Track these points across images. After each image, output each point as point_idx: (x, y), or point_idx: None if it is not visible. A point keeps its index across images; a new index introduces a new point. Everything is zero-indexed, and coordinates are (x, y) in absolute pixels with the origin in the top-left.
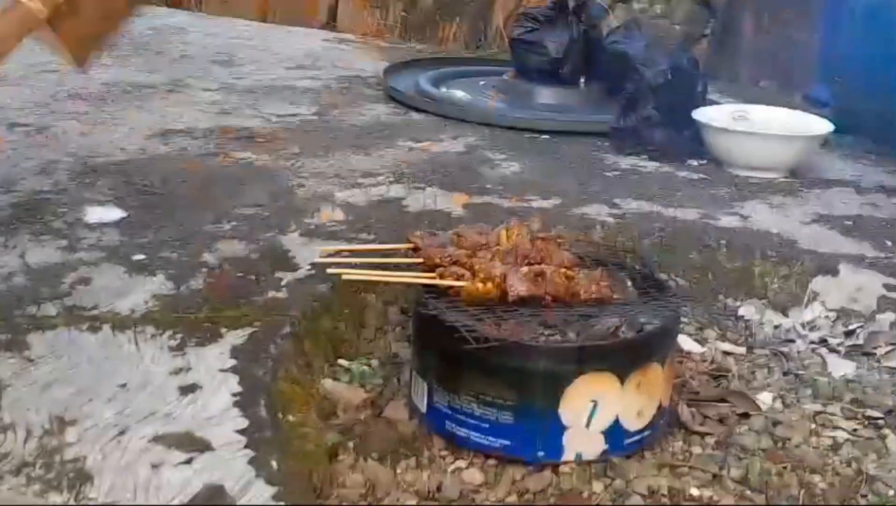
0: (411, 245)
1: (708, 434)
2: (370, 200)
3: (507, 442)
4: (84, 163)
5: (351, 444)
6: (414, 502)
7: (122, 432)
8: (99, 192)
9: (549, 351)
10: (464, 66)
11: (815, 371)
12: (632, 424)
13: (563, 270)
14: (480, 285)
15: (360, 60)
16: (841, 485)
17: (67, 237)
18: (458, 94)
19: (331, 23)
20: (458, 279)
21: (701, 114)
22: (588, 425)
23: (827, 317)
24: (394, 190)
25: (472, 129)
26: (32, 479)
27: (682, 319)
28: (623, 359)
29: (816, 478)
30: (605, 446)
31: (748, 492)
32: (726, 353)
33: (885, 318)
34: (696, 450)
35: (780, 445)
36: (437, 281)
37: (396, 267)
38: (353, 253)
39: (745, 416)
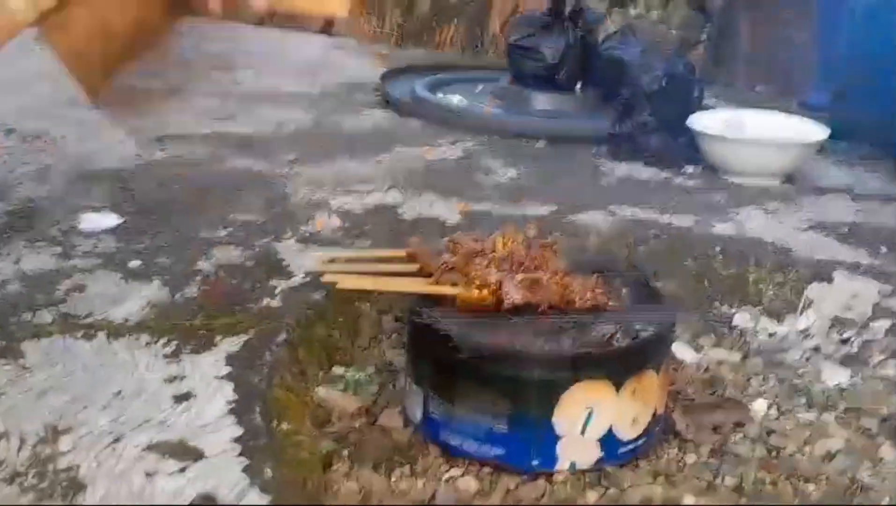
0: (407, 252)
1: (702, 443)
2: (366, 207)
3: (501, 451)
4: (80, 169)
5: (345, 452)
6: None
7: (116, 440)
8: (94, 198)
9: (543, 359)
10: (460, 71)
11: (809, 379)
12: (627, 432)
13: (558, 277)
14: (475, 293)
15: (357, 66)
16: (835, 494)
17: (62, 244)
18: (455, 99)
19: (328, 28)
20: (453, 287)
21: (696, 120)
22: (583, 433)
23: (821, 325)
24: (390, 197)
25: (468, 134)
26: (26, 488)
27: (677, 327)
28: (618, 366)
29: (811, 487)
30: (600, 455)
31: (743, 501)
32: (721, 361)
33: (880, 325)
34: (691, 458)
35: (774, 453)
36: (432, 289)
37: (392, 275)
38: (349, 260)
39: (740, 424)
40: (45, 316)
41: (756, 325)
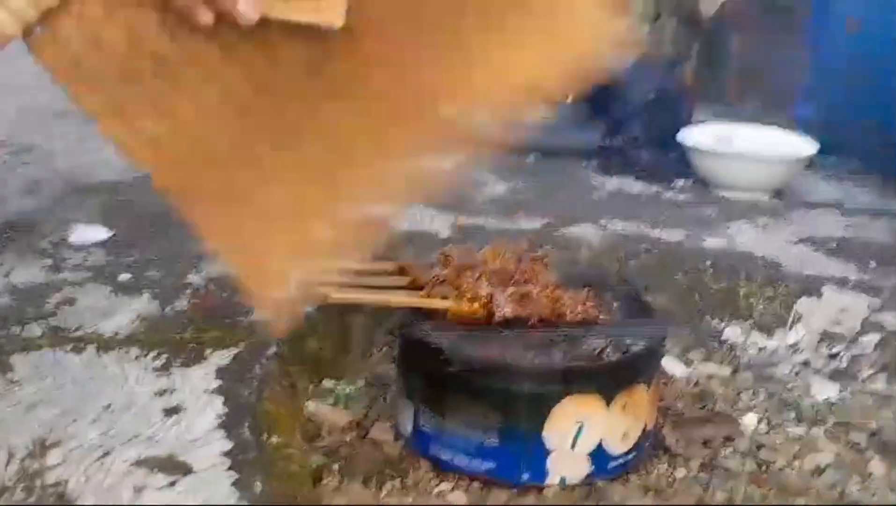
0: (398, 265)
1: (692, 457)
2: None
3: (492, 465)
4: (70, 182)
5: (336, 466)
6: None
7: (105, 454)
8: (85, 211)
9: (534, 373)
10: None
11: (798, 394)
12: (617, 446)
13: (549, 290)
14: (466, 306)
15: None
16: None
17: (53, 257)
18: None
19: None
20: (444, 300)
21: (686, 135)
22: (573, 447)
23: (811, 339)
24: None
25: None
26: (13, 503)
27: (668, 341)
28: (609, 381)
29: (800, 501)
30: (590, 469)
31: None
32: (711, 375)
33: (869, 340)
34: (681, 473)
35: (764, 468)
36: (423, 302)
37: (383, 288)
38: (339, 273)
39: (730, 439)
40: (35, 329)
41: (746, 339)
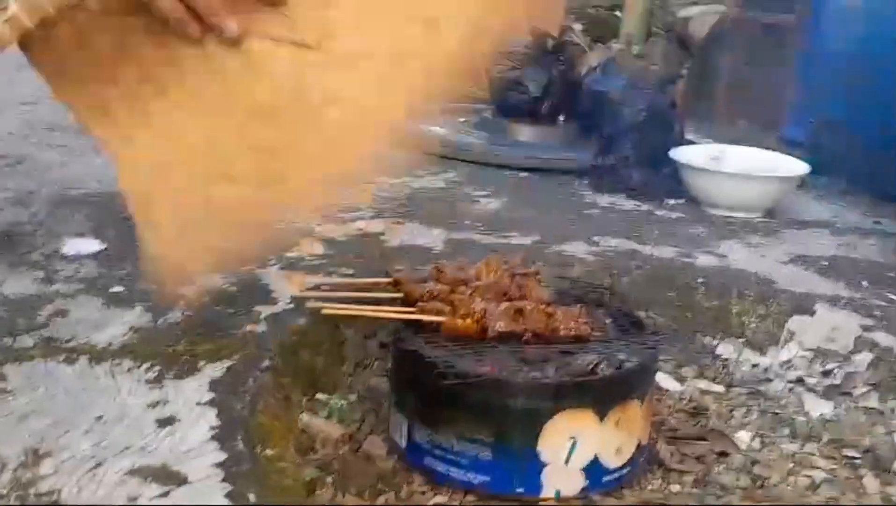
0: (391, 280)
1: (686, 472)
2: (349, 234)
3: (486, 478)
4: (62, 194)
5: (329, 479)
6: None
7: (98, 465)
8: (77, 223)
9: (527, 388)
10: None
11: (792, 411)
12: (611, 461)
13: (542, 306)
14: (460, 321)
15: None
16: None
17: (44, 269)
18: (438, 130)
19: None
20: (437, 314)
21: (678, 154)
22: (567, 461)
23: (804, 357)
24: (373, 225)
25: (451, 165)
26: None
27: (661, 357)
28: (602, 396)
29: None
30: (585, 484)
31: None
32: (704, 391)
33: (863, 358)
34: (675, 488)
35: (758, 484)
36: (417, 316)
37: (376, 302)
38: (333, 287)
39: (724, 454)
40: (27, 340)
41: (739, 356)
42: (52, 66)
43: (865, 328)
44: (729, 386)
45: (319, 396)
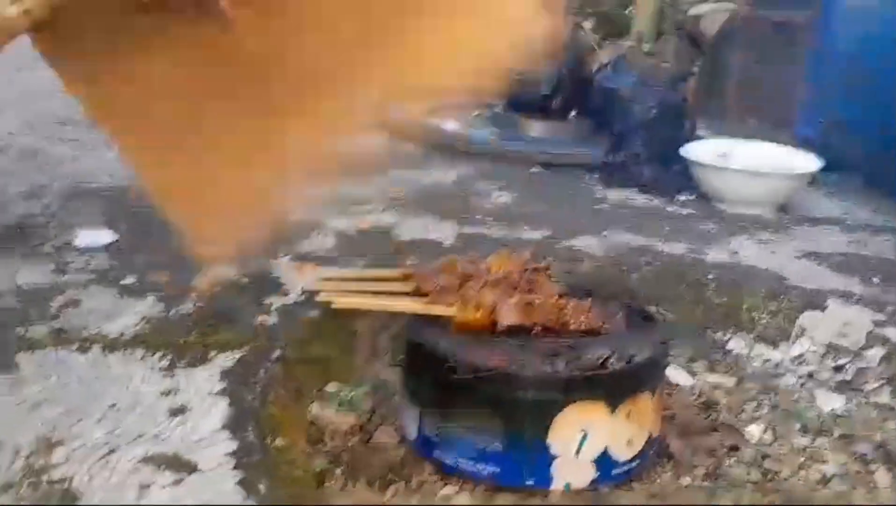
0: (403, 273)
1: (697, 465)
2: (361, 228)
3: (496, 470)
4: (74, 187)
5: (339, 470)
6: None
7: (110, 453)
8: (89, 215)
9: (537, 381)
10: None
11: (804, 405)
12: (621, 453)
13: (553, 300)
14: (471, 314)
15: None
16: None
17: (57, 260)
18: (450, 125)
19: None
20: (448, 307)
21: (689, 150)
22: (577, 454)
23: (815, 352)
24: (385, 218)
25: (463, 159)
26: (19, 498)
27: (671, 352)
28: (613, 389)
29: None
30: (595, 476)
31: None
32: (715, 385)
33: (874, 354)
34: (686, 481)
35: (769, 477)
36: (428, 309)
37: (388, 294)
38: (345, 279)
39: (735, 448)
40: (40, 330)
41: (750, 351)
42: (61, 59)
43: (877, 324)
44: (740, 381)
45: (330, 387)
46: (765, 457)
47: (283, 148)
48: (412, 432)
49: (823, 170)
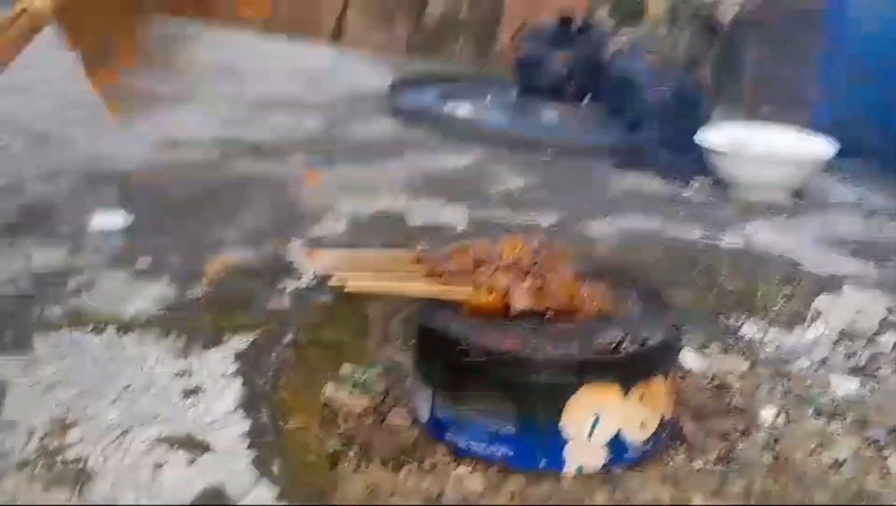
0: (415, 256)
1: (710, 449)
2: (374, 213)
3: (508, 452)
4: (90, 170)
5: (352, 452)
6: None
7: (124, 433)
8: (104, 198)
9: (550, 364)
10: (469, 82)
11: (817, 390)
12: (634, 436)
13: (565, 284)
14: (483, 298)
15: (366, 75)
16: (843, 502)
17: (72, 242)
18: (463, 110)
19: (337, 37)
20: (461, 291)
21: (704, 135)
22: (590, 436)
23: (829, 337)
24: (397, 203)
25: (476, 144)
26: (34, 477)
27: (685, 336)
28: (626, 372)
29: (818, 494)
30: (608, 459)
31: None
32: (729, 370)
33: (888, 339)
34: (698, 464)
35: (782, 461)
36: (441, 293)
37: (400, 278)
38: (357, 263)
39: (747, 432)
40: (55, 311)
41: (764, 335)
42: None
43: (891, 310)
44: (753, 365)
45: (343, 369)
46: (777, 441)
47: None
48: (425, 415)
49: (838, 155)
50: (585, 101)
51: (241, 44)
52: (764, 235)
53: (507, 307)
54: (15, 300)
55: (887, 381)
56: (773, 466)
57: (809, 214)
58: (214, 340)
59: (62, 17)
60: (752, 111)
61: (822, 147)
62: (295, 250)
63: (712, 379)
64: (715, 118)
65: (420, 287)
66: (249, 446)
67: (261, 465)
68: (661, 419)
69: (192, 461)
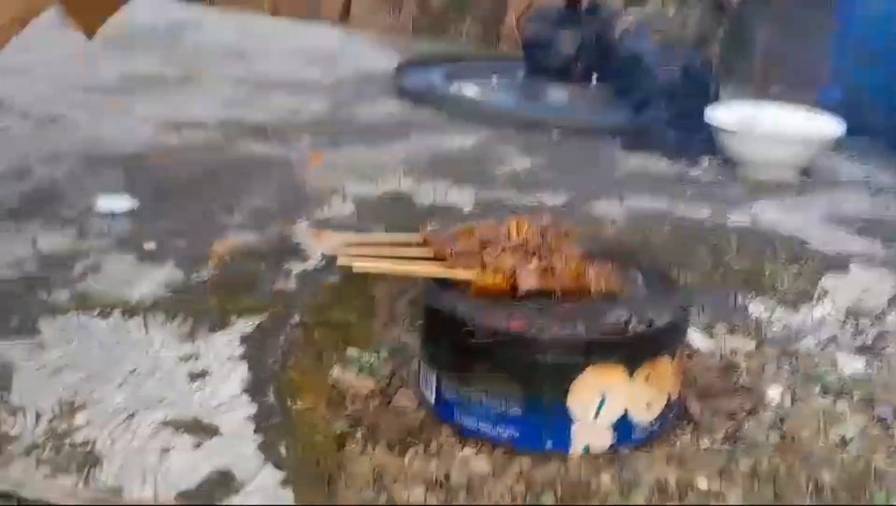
0: (422, 237)
1: (717, 428)
2: (380, 194)
3: (515, 433)
4: (95, 153)
5: (359, 433)
6: (422, 490)
7: (131, 417)
8: (109, 181)
9: (557, 344)
10: (476, 63)
11: (824, 368)
12: (640, 417)
13: (572, 264)
14: (490, 278)
15: (373, 56)
16: (850, 480)
17: (78, 225)
18: (470, 90)
19: (344, 18)
20: (467, 272)
21: (713, 114)
22: (596, 417)
23: (836, 315)
24: (404, 184)
25: (482, 125)
26: (42, 461)
27: (692, 315)
28: (632, 352)
29: (825, 473)
30: (614, 439)
31: (757, 485)
32: (735, 349)
33: (895, 317)
34: (705, 444)
35: (788, 440)
36: (447, 273)
37: (407, 259)
38: (364, 244)
39: (754, 411)
40: (61, 295)
41: (771, 314)
42: None
43: None
44: (760, 344)
45: (350, 351)
46: (784, 420)
47: None
48: (431, 396)
49: (848, 133)
50: (593, 81)
51: (247, 25)
52: (771, 214)
53: (514, 288)
54: (21, 284)
55: (894, 359)
56: (779, 445)
57: (817, 193)
58: (221, 323)
59: None
60: (761, 90)
61: (830, 125)
62: (302, 232)
63: (720, 358)
64: (723, 97)
65: (426, 268)
66: (256, 429)
67: (268, 448)
68: (668, 399)
69: (198, 445)
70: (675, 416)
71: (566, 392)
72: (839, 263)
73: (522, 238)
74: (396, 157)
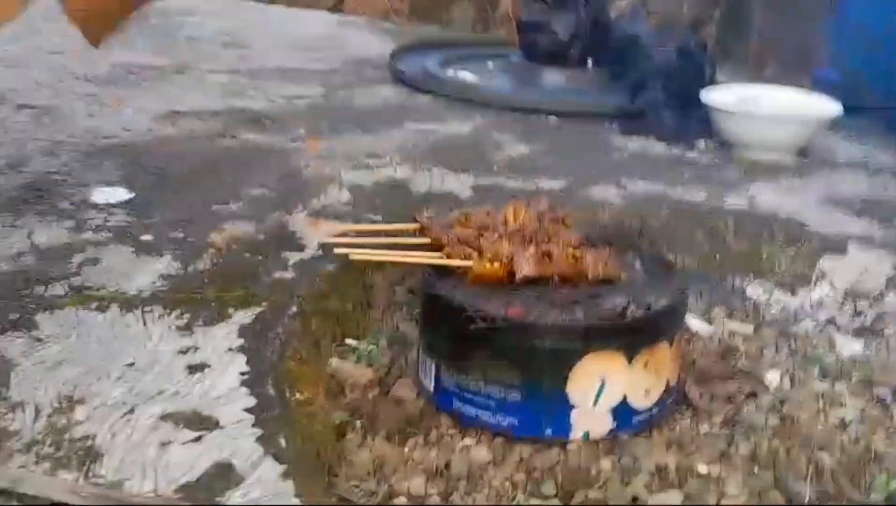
0: (418, 225)
1: (716, 413)
2: (377, 181)
3: (514, 421)
4: (91, 144)
5: (358, 423)
6: (422, 479)
7: (130, 411)
8: (106, 172)
9: (555, 330)
10: (471, 48)
11: (822, 351)
12: (640, 402)
13: (570, 249)
14: (487, 265)
15: (368, 42)
16: (849, 462)
17: (75, 218)
18: (466, 76)
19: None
20: (465, 259)
21: (709, 96)
22: (595, 403)
23: (835, 297)
24: (400, 171)
25: (479, 110)
26: (42, 457)
27: (690, 299)
28: (631, 338)
29: (825, 455)
30: (613, 425)
31: (756, 469)
32: (734, 332)
33: (893, 298)
34: (704, 428)
35: (788, 423)
36: (445, 261)
37: (404, 247)
38: (361, 233)
39: (753, 395)
40: (59, 289)
41: (769, 297)
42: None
43: None
44: (758, 327)
45: (348, 341)
46: (783, 403)
47: None
48: (430, 385)
49: (845, 113)
50: (589, 64)
51: (242, 12)
52: (768, 196)
53: (512, 274)
54: (19, 278)
55: (893, 340)
56: (779, 427)
57: (814, 174)
58: (219, 315)
59: None
60: (758, 71)
61: (828, 105)
62: (298, 221)
63: (718, 342)
64: (720, 79)
65: (424, 256)
66: (256, 421)
67: (267, 440)
68: (667, 385)
69: (198, 438)
70: (674, 401)
71: (565, 379)
72: (837, 245)
73: (519, 224)
74: (393, 143)
